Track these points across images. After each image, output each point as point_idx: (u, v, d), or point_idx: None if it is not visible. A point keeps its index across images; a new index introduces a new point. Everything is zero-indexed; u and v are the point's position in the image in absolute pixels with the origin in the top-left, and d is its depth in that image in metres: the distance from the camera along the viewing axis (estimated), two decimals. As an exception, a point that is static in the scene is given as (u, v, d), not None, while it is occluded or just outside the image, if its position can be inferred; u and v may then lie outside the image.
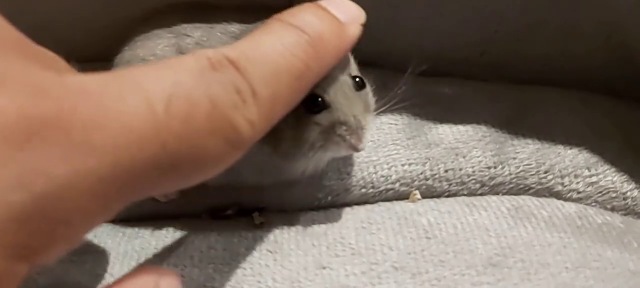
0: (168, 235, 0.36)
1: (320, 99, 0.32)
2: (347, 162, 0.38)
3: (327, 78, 0.32)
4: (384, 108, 0.36)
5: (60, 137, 0.20)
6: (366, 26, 0.41)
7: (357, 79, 0.34)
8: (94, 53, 0.41)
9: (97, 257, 0.35)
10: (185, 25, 0.35)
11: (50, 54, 0.25)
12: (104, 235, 0.37)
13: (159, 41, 0.35)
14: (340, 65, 0.34)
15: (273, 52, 0.26)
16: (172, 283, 0.24)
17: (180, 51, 0.34)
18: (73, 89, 0.21)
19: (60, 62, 0.26)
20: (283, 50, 0.27)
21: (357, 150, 0.33)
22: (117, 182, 0.21)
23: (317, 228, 0.36)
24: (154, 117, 0.22)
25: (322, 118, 0.32)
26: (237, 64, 0.25)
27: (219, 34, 0.35)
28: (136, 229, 0.37)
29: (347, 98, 0.32)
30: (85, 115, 0.21)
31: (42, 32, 0.39)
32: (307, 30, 0.28)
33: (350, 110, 0.32)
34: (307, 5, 0.30)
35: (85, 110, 0.21)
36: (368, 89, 0.35)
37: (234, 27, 0.35)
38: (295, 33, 0.28)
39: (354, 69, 0.35)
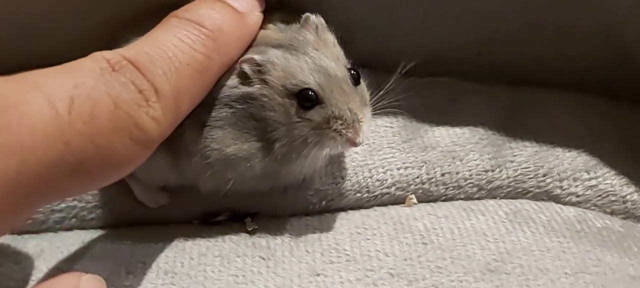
0: (158, 242, 0.36)
1: (312, 93, 0.31)
2: (342, 166, 0.38)
3: (321, 71, 0.31)
4: (379, 107, 0.35)
5: None
6: (362, 27, 0.41)
7: (352, 72, 0.33)
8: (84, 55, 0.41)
9: (85, 264, 0.35)
10: None
11: None
12: (93, 242, 0.36)
13: None
14: (337, 58, 0.33)
15: (173, 48, 0.27)
16: (93, 285, 0.25)
17: None
18: None
19: None
20: (182, 46, 0.27)
21: (355, 144, 0.32)
22: (24, 184, 0.22)
23: (311, 234, 0.35)
24: (57, 117, 0.23)
25: (315, 113, 0.31)
26: (136, 63, 0.26)
27: None
28: (126, 235, 0.37)
29: (342, 92, 0.32)
30: None
31: (31, 32, 0.39)
32: (206, 24, 0.29)
33: (345, 104, 0.31)
34: None
35: None
36: (363, 82, 0.34)
37: None
38: (194, 28, 0.28)
39: (347, 63, 0.34)
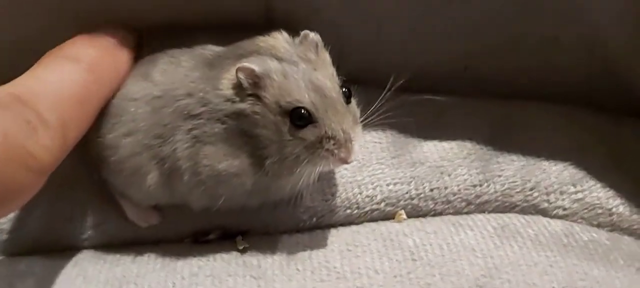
0: (150, 261, 0.36)
1: (305, 112, 0.31)
2: (331, 182, 0.38)
3: (317, 91, 0.31)
4: (367, 122, 0.35)
5: None
6: (350, 43, 0.41)
7: (344, 90, 0.33)
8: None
9: (78, 285, 0.35)
10: (156, 55, 0.35)
11: None
12: (84, 263, 0.36)
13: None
14: (332, 76, 0.33)
15: (55, 82, 0.30)
16: None
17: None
18: None
19: None
20: (63, 79, 0.30)
21: (346, 162, 0.32)
22: None
23: (302, 252, 0.35)
24: None
25: (308, 133, 0.31)
26: (22, 98, 0.28)
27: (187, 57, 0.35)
28: (117, 256, 0.37)
29: (336, 112, 0.32)
30: None
31: (21, 49, 0.39)
32: (82, 59, 0.32)
33: (338, 125, 0.31)
34: (77, 37, 0.33)
35: None
36: (353, 100, 0.34)
37: (207, 51, 0.34)
38: (72, 63, 0.31)
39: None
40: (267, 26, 0.36)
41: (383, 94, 0.35)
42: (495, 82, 0.44)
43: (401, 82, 0.36)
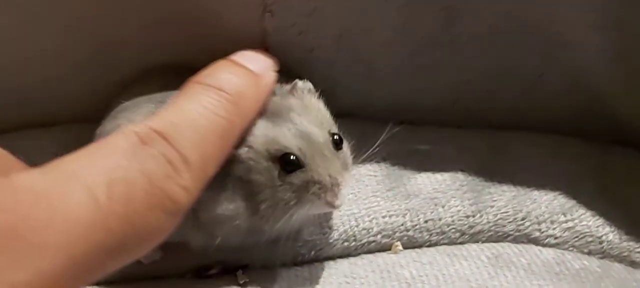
0: (152, 297, 0.36)
1: (293, 158, 0.32)
2: (329, 216, 0.39)
3: (303, 137, 0.32)
4: (363, 157, 0.36)
5: (17, 244, 0.21)
6: (344, 80, 0.43)
7: (335, 136, 0.34)
8: (73, 116, 0.42)
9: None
10: (164, 93, 0.36)
11: None
12: (87, 300, 0.37)
13: (138, 110, 0.36)
14: (321, 123, 0.34)
15: (197, 115, 0.28)
16: None
17: None
18: (24, 194, 0.22)
19: (3, 158, 0.27)
20: (206, 113, 0.28)
21: (333, 207, 0.33)
22: (70, 275, 0.22)
23: (301, 286, 0.36)
24: (97, 206, 0.23)
25: (295, 177, 0.32)
26: (164, 134, 0.26)
27: None
28: (120, 291, 0.37)
29: (323, 157, 0.33)
30: (37, 218, 0.22)
31: (27, 99, 0.40)
32: (226, 88, 0.29)
33: (325, 170, 0.32)
34: (221, 62, 0.31)
35: (37, 213, 0.22)
36: (346, 146, 0.35)
37: None
38: (215, 93, 0.29)
39: (332, 126, 0.35)
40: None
41: (379, 141, 0.37)
42: (484, 115, 0.45)
43: (396, 129, 0.38)
